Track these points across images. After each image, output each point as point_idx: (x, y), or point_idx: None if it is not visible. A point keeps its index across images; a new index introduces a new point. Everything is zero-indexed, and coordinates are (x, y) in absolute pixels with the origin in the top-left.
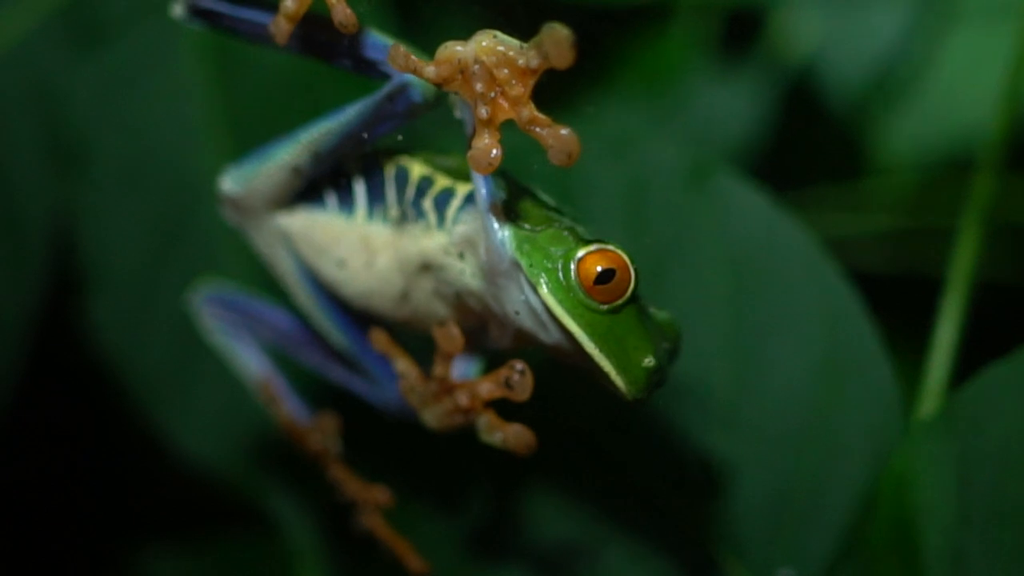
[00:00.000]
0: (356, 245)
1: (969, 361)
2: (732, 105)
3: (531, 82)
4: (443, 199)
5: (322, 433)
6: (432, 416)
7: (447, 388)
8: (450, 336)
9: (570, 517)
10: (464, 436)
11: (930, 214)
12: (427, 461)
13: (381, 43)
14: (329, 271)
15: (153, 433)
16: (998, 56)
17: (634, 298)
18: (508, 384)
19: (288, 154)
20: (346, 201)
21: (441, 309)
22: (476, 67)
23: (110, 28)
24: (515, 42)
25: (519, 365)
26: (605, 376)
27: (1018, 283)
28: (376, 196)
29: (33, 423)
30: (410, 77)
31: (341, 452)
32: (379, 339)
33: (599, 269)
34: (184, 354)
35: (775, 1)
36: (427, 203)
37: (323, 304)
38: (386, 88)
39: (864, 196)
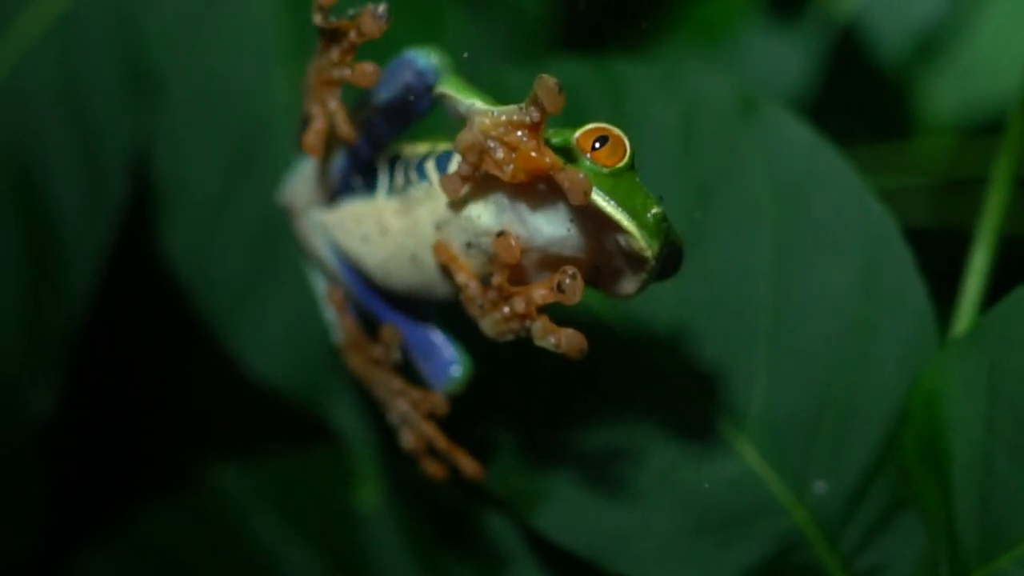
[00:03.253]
0: (374, 219)
1: (998, 299)
2: (782, 62)
3: (540, 133)
4: (444, 158)
5: (384, 344)
6: (491, 324)
7: (505, 295)
8: (508, 246)
9: (614, 426)
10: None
11: (968, 171)
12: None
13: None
14: (355, 247)
15: (220, 351)
16: None
17: (632, 166)
18: (560, 288)
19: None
20: (371, 186)
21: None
22: (490, 143)
23: None
24: (510, 107)
25: (570, 270)
26: (619, 230)
27: None
28: (391, 176)
29: (108, 341)
30: (423, 65)
31: (399, 363)
32: (442, 251)
33: (594, 137)
34: (253, 278)
35: None
36: (429, 165)
37: (355, 284)
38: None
39: (906, 155)
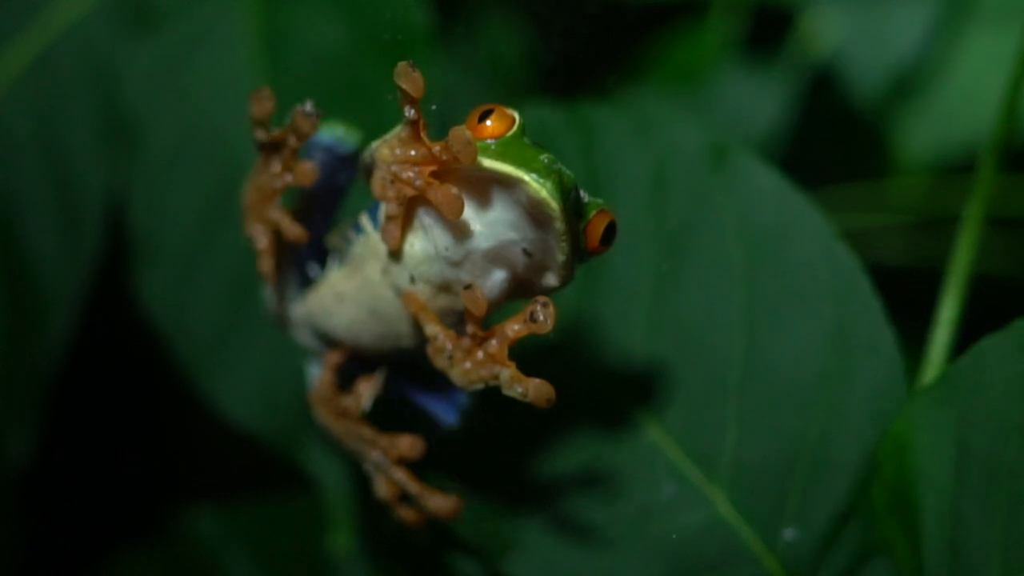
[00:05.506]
0: (329, 292)
1: (970, 343)
2: (758, 104)
3: (421, 131)
4: (373, 209)
5: (355, 395)
6: (460, 373)
7: (479, 340)
8: (475, 298)
9: (585, 474)
10: None
11: (942, 210)
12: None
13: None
14: (326, 325)
15: (196, 398)
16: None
17: (523, 133)
18: (533, 318)
19: None
20: (324, 267)
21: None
22: (394, 168)
23: (163, 11)
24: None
25: (542, 299)
26: (515, 186)
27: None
28: (335, 254)
29: (84, 387)
30: (329, 139)
31: (366, 412)
32: (411, 301)
33: (478, 115)
34: (228, 325)
35: (804, 0)
36: (363, 218)
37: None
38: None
39: (880, 194)
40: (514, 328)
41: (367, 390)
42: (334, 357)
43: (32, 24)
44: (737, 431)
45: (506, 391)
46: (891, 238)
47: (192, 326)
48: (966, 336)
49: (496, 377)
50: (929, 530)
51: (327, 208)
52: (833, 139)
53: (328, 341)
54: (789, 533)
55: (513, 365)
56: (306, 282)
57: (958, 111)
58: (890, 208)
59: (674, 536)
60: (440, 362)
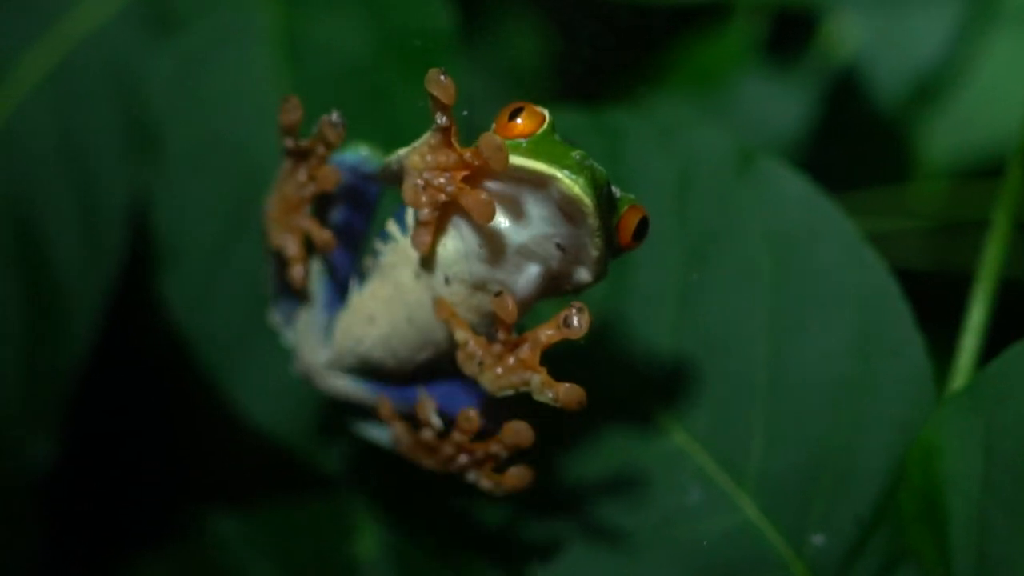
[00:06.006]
0: (359, 316)
1: (997, 349)
2: (779, 107)
3: (452, 138)
4: (400, 214)
5: (422, 421)
6: (490, 379)
7: (511, 346)
8: (504, 305)
9: (611, 480)
10: None
11: (965, 214)
12: None
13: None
14: (356, 352)
15: (217, 402)
16: None
17: (553, 131)
18: (567, 323)
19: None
20: (346, 297)
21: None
22: (426, 175)
23: (186, 16)
24: (424, 137)
25: (577, 304)
26: (547, 182)
27: None
28: (360, 271)
29: (107, 391)
30: (353, 160)
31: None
32: (443, 308)
33: (508, 114)
34: (250, 329)
35: (826, 4)
36: (390, 226)
37: (386, 391)
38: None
39: (903, 198)
40: (547, 333)
41: (428, 410)
42: (385, 409)
43: (53, 29)
44: (764, 435)
45: (537, 397)
46: (912, 242)
47: (215, 328)
48: (992, 341)
49: (527, 383)
50: (957, 537)
51: (354, 231)
52: (855, 142)
53: (363, 371)
54: (817, 539)
55: (544, 371)
56: (331, 325)
57: (980, 114)
58: (911, 212)
59: (705, 542)
60: (470, 368)
